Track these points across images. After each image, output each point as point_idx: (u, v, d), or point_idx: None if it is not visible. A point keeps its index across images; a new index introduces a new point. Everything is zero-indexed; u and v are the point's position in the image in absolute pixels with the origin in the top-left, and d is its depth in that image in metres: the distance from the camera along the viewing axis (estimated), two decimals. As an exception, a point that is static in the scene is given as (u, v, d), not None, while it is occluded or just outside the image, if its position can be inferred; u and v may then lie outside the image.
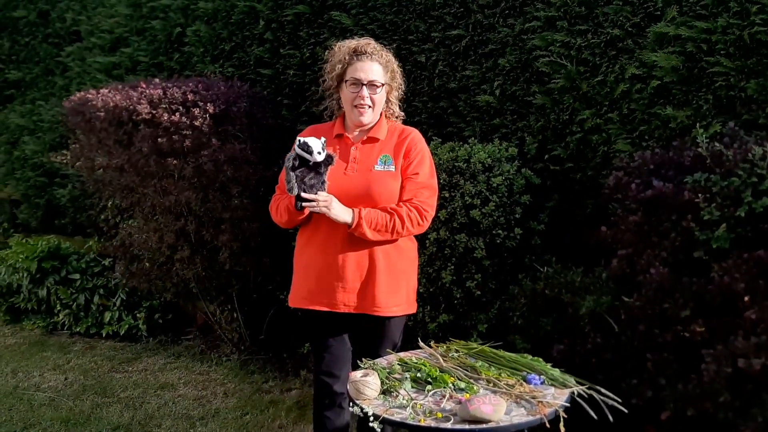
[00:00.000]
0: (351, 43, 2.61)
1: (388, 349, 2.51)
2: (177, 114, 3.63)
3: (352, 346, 2.65)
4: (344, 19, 3.88)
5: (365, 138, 2.61)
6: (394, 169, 2.56)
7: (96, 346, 4.72)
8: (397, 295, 2.59)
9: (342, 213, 2.44)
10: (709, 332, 2.23)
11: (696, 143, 2.38)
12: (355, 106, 2.55)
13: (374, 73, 2.55)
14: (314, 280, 2.58)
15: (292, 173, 2.35)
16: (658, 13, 2.90)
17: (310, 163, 2.35)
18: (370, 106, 2.55)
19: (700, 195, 2.20)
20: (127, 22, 5.18)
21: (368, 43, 2.61)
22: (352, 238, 2.50)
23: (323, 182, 2.39)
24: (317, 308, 2.58)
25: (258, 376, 4.06)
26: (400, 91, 2.71)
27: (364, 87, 2.53)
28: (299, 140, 2.35)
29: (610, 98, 3.06)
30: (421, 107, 3.67)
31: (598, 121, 3.10)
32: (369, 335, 2.62)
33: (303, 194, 2.36)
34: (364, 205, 2.49)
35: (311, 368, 3.92)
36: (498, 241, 3.09)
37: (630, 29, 2.98)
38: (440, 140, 3.41)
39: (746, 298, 2.11)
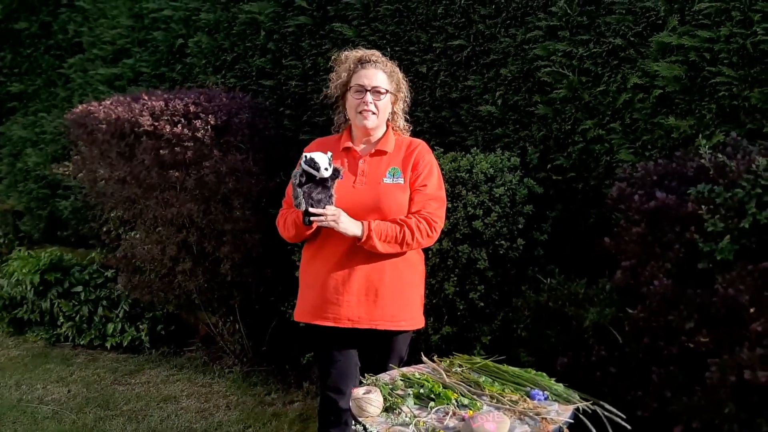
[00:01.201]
0: (357, 53, 2.65)
1: (394, 364, 2.50)
2: (179, 126, 3.63)
3: (359, 361, 2.64)
4: (346, 30, 3.88)
5: (373, 151, 2.61)
6: (403, 182, 2.56)
7: (99, 358, 4.71)
8: (406, 309, 2.59)
9: (351, 226, 2.43)
10: (714, 344, 2.21)
11: (699, 154, 2.36)
12: (360, 112, 2.55)
13: (378, 80, 2.57)
14: (321, 295, 2.56)
15: (299, 189, 2.35)
16: (660, 22, 2.89)
17: (317, 178, 2.35)
18: (374, 113, 2.56)
19: (703, 206, 2.18)
20: (129, 34, 5.19)
21: (373, 53, 2.65)
22: (360, 251, 2.49)
23: (331, 196, 2.39)
24: (324, 323, 2.56)
25: (260, 388, 4.04)
26: (405, 103, 2.72)
27: (368, 93, 2.55)
28: (306, 156, 2.35)
29: (613, 108, 3.05)
30: (423, 117, 3.66)
31: (601, 131, 3.09)
32: (376, 350, 2.61)
33: (311, 209, 2.36)
34: (374, 217, 2.48)
35: (314, 380, 3.91)
36: (501, 252, 3.07)
37: (632, 39, 2.97)
38: (442, 150, 3.40)
39: (752, 310, 2.10)
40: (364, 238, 2.44)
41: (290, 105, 4.23)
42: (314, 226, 2.44)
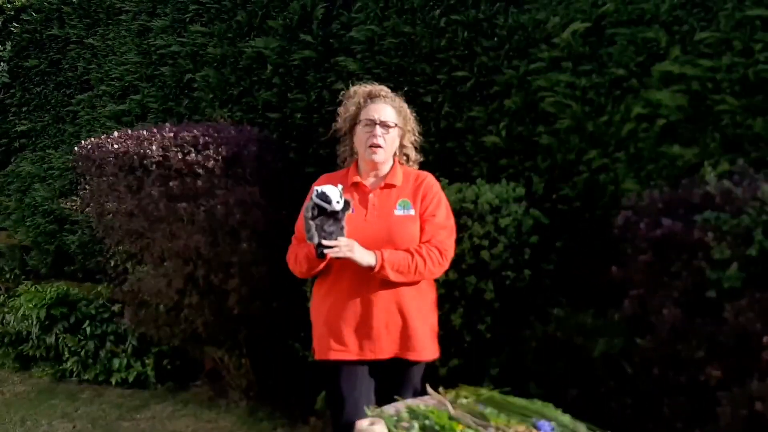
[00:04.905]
0: (366, 87, 2.72)
1: (408, 394, 2.48)
2: (190, 155, 3.65)
3: (373, 393, 2.61)
4: (350, 64, 3.92)
5: (382, 185, 2.64)
6: (413, 213, 2.59)
7: (104, 394, 4.67)
8: (425, 338, 2.60)
9: (365, 256, 2.45)
10: (725, 374, 2.18)
11: (705, 181, 2.36)
12: (370, 146, 2.59)
13: (387, 114, 2.62)
14: (341, 330, 2.57)
15: (311, 222, 2.37)
16: (662, 52, 2.91)
17: (329, 211, 2.37)
18: (382, 146, 2.60)
19: (710, 234, 2.17)
20: (137, 69, 5.25)
21: (383, 89, 2.72)
22: (374, 284, 2.51)
23: (342, 228, 2.42)
24: (346, 358, 2.56)
25: (266, 424, 4.00)
26: (414, 135, 2.77)
27: (377, 126, 2.59)
28: (317, 190, 2.38)
29: (617, 138, 3.05)
30: (428, 148, 3.64)
31: (605, 161, 3.09)
32: (393, 381, 2.60)
33: (324, 242, 2.37)
34: (387, 249, 2.50)
35: (319, 415, 3.85)
36: (508, 283, 3.05)
37: (634, 69, 2.99)
38: (447, 181, 3.40)
39: (765, 339, 2.06)
40: (377, 268, 2.45)
41: (296, 137, 4.26)
42: (327, 258, 2.45)
